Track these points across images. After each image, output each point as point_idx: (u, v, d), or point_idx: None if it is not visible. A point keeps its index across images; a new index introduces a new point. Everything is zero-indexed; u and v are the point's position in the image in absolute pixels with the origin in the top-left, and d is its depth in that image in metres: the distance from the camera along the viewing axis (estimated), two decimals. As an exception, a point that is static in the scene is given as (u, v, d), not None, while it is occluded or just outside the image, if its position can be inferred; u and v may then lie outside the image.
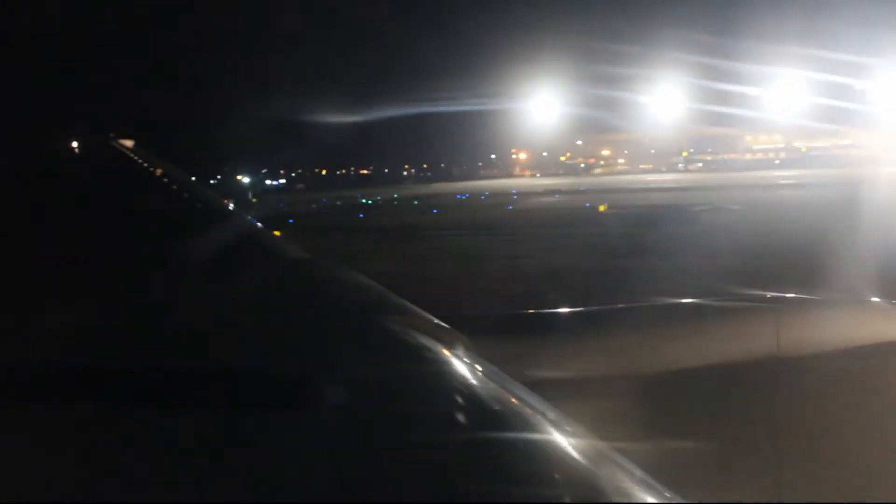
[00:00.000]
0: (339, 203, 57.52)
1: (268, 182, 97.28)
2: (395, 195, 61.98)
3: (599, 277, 15.29)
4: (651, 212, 31.01)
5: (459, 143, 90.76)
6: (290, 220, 32.02)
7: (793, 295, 2.59)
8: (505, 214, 41.60)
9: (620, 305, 2.93)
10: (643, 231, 24.20)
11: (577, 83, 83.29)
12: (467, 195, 59.65)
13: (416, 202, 54.35)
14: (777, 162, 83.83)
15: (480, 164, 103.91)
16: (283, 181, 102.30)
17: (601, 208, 38.88)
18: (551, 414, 1.53)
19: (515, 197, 55.79)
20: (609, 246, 21.80)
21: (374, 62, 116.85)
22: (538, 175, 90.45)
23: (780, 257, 15.61)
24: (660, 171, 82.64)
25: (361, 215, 43.35)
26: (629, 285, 12.54)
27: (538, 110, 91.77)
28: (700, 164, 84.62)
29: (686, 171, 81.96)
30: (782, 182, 55.73)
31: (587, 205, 42.17)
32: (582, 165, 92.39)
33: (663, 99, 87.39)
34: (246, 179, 75.22)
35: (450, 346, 1.92)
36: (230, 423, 1.59)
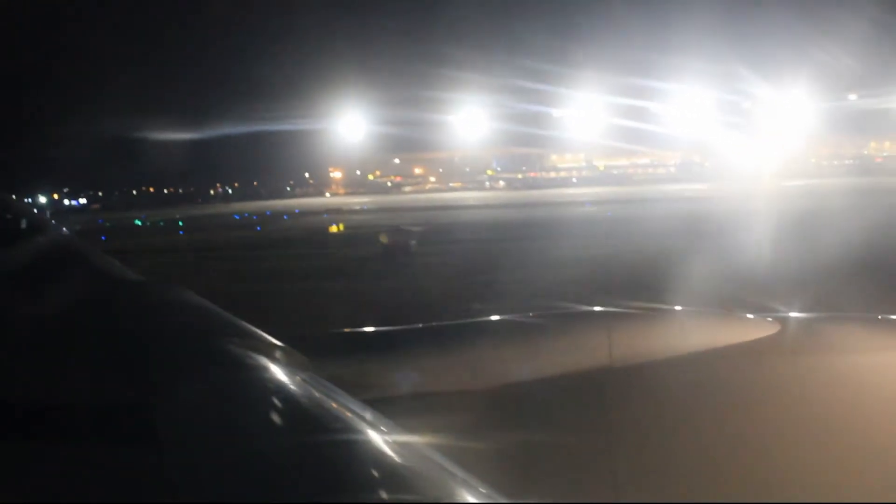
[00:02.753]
0: (108, 224, 54.78)
1: (67, 202, 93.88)
2: (176, 216, 59.93)
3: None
4: (368, 232, 30.01)
5: (277, 161, 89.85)
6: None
7: (621, 309, 2.49)
8: (240, 235, 40.44)
9: (459, 321, 2.55)
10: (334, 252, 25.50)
11: (392, 103, 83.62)
12: (247, 214, 59.12)
13: (161, 223, 53.46)
14: (574, 180, 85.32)
15: (292, 182, 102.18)
16: (83, 201, 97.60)
17: (333, 229, 39.24)
18: (381, 424, 1.60)
19: (286, 218, 54.97)
20: (277, 268, 22.14)
21: (201, 82, 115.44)
22: (347, 193, 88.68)
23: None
24: (468, 189, 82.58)
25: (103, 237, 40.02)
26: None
27: (354, 129, 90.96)
28: (501, 183, 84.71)
29: (491, 188, 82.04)
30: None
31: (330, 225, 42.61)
32: (389, 184, 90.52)
33: (476, 119, 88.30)
34: (42, 199, 71.99)
35: (288, 367, 1.90)
36: (58, 455, 1.60)
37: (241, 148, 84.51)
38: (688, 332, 2.48)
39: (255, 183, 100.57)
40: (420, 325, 2.66)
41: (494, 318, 2.75)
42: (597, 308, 2.61)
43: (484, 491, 1.44)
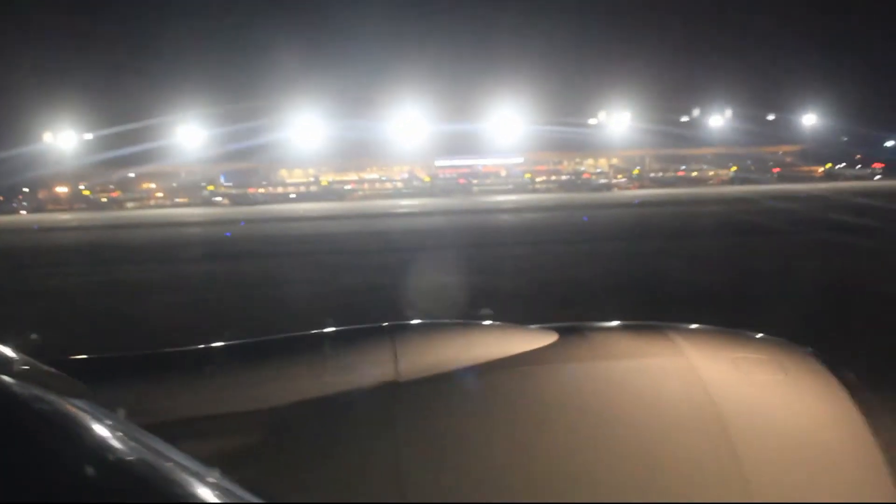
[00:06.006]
0: None
1: None
2: None
3: None
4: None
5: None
6: None
7: (408, 321, 2.50)
8: None
9: (245, 340, 2.50)
10: None
11: (119, 116, 78.70)
12: None
13: None
14: (293, 195, 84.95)
15: (20, 196, 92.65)
16: None
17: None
18: (161, 449, 1.55)
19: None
20: None
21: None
22: (61, 210, 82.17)
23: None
24: (191, 206, 79.47)
25: None
26: None
27: (79, 143, 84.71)
28: (219, 199, 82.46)
29: (215, 204, 79.47)
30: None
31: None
32: (104, 199, 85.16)
33: (208, 134, 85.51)
34: None
35: (59, 394, 1.77)
36: None
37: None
38: (473, 344, 2.35)
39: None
40: (203, 346, 2.52)
41: (280, 336, 2.57)
42: (384, 323, 2.48)
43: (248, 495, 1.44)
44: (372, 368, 2.23)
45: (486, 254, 23.86)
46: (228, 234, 38.58)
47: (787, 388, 2.32)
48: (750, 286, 15.75)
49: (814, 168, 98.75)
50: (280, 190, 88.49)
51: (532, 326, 2.48)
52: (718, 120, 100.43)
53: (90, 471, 1.38)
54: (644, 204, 54.63)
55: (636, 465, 2.07)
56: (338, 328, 2.53)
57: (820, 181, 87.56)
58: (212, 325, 12.07)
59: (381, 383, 2.18)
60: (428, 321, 2.51)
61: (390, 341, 2.31)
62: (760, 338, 2.60)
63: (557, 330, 2.44)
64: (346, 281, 18.42)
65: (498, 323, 2.49)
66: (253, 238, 35.72)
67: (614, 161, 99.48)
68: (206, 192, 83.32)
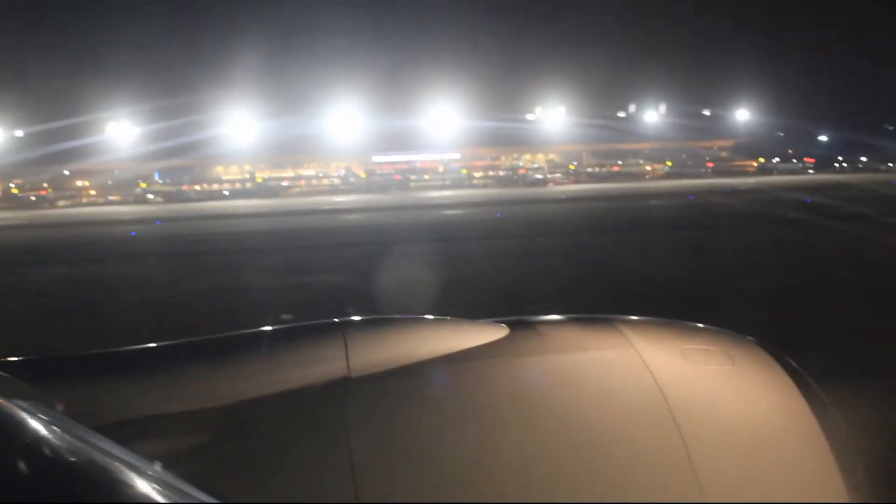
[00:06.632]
0: None
1: None
2: None
3: None
4: None
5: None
6: None
7: (360, 317, 2.48)
8: None
9: (193, 339, 2.46)
10: None
11: (53, 112, 77.10)
12: None
13: None
14: (226, 193, 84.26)
15: None
16: None
17: None
18: (112, 450, 1.49)
19: None
20: None
21: None
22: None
23: None
24: (124, 203, 78.26)
25: None
26: None
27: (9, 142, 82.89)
28: (151, 197, 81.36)
29: (148, 202, 78.39)
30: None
31: None
32: (32, 198, 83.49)
33: (144, 130, 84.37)
34: None
35: (5, 396, 1.73)
36: None
37: None
38: (425, 339, 2.34)
39: None
40: (151, 346, 2.44)
41: (230, 333, 2.52)
42: (335, 319, 2.44)
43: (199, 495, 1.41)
44: (323, 364, 2.21)
45: (331, 255, 24.10)
46: (134, 233, 38.30)
47: (735, 377, 2.34)
48: (596, 281, 16.35)
49: (748, 162, 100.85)
50: (215, 187, 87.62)
51: (483, 321, 2.47)
52: (655, 115, 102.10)
53: (37, 473, 1.36)
54: (570, 199, 55.42)
55: (587, 456, 2.08)
56: (289, 324, 2.51)
57: (753, 176, 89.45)
58: None
59: (332, 379, 2.17)
60: (379, 316, 2.52)
61: (341, 337, 2.28)
62: (706, 328, 2.62)
63: (508, 324, 2.45)
64: (202, 283, 18.56)
65: (449, 318, 2.48)
66: (152, 238, 35.60)
67: (552, 156, 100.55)
68: (138, 190, 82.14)
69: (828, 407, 2.27)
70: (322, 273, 19.12)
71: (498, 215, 40.87)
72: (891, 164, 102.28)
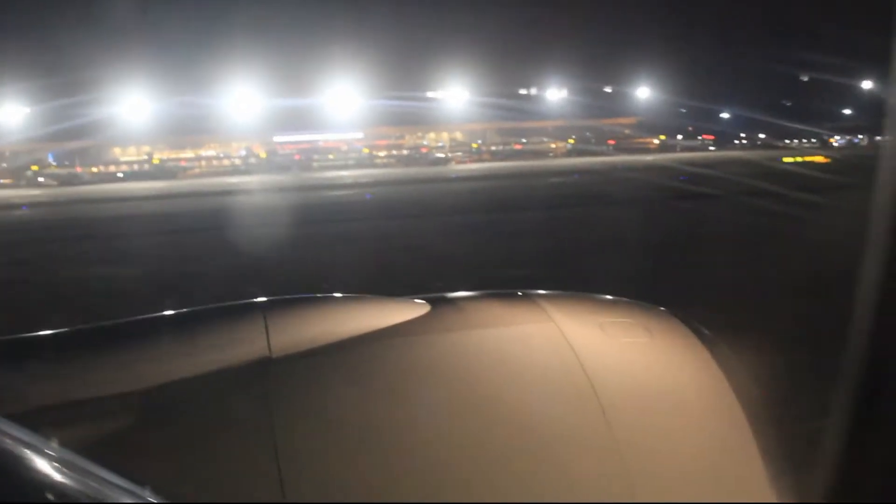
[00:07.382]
0: None
1: None
2: None
3: None
4: None
5: None
6: None
7: (280, 297, 2.45)
8: None
9: (110, 322, 2.39)
10: None
11: None
12: None
13: None
14: (120, 175, 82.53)
15: None
16: None
17: None
18: (27, 438, 1.40)
19: None
20: None
21: None
22: None
23: None
24: (16, 187, 75.62)
25: None
26: None
27: None
28: (42, 180, 78.92)
29: (41, 185, 76.04)
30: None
31: None
32: None
33: (30, 112, 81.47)
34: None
35: None
36: None
37: None
38: (346, 317, 2.32)
39: None
40: (66, 330, 2.39)
41: (147, 315, 2.50)
42: (255, 299, 2.42)
43: (140, 492, 1.36)
44: (244, 345, 2.17)
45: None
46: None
47: (652, 349, 2.39)
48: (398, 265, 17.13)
49: (649, 139, 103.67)
50: (112, 168, 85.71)
51: (404, 298, 2.47)
52: (559, 94, 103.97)
53: None
54: (461, 179, 56.17)
55: (509, 431, 2.09)
56: (207, 306, 2.44)
57: (655, 152, 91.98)
58: None
59: (253, 360, 2.13)
60: (300, 295, 2.47)
61: (262, 317, 2.24)
62: (623, 301, 2.68)
63: (429, 300, 2.44)
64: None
65: (370, 295, 2.47)
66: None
67: (457, 135, 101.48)
68: (29, 173, 79.76)
69: (741, 373, 2.32)
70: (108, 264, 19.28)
71: (368, 196, 41.17)
72: (787, 141, 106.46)
